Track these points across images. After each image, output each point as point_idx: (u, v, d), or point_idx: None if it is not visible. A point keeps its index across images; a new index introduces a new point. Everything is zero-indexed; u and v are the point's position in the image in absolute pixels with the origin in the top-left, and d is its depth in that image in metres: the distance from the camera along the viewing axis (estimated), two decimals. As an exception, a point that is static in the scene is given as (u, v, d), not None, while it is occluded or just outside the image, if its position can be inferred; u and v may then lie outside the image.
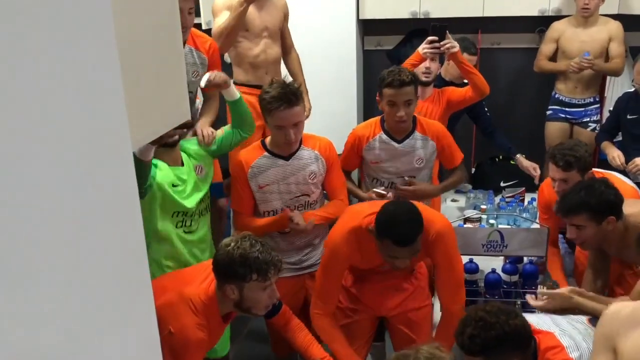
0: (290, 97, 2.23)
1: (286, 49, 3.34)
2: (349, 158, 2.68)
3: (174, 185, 2.23)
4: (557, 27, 3.76)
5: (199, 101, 2.89)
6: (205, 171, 2.39)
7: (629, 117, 3.14)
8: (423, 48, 2.90)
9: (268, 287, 1.89)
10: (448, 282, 2.17)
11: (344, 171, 2.62)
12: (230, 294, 1.87)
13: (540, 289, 2.15)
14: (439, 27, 2.90)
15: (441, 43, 2.86)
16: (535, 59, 3.85)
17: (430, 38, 2.86)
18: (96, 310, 0.78)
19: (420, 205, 2.16)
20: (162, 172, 2.20)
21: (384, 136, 2.61)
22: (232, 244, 1.86)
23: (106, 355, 0.81)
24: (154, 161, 2.16)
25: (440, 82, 3.33)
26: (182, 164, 2.30)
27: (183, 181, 2.26)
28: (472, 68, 3.00)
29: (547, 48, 3.79)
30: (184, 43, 2.56)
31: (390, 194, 2.50)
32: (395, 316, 2.34)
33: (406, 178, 2.61)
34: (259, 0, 2.99)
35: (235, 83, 3.12)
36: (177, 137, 2.23)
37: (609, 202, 2.07)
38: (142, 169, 2.03)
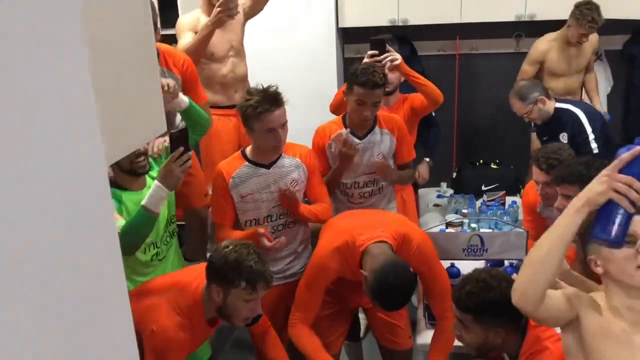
0: (275, 98, 2.26)
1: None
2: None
3: None
4: (540, 48, 3.72)
5: (179, 119, 2.88)
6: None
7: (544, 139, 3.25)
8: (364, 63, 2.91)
9: (252, 301, 1.89)
10: (435, 290, 2.23)
11: None
12: (215, 296, 1.88)
13: None
14: (377, 41, 2.89)
15: (381, 57, 2.83)
16: (515, 63, 3.88)
17: (370, 52, 2.84)
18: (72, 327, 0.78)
19: (397, 219, 2.25)
20: (128, 201, 2.14)
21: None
22: (231, 247, 1.88)
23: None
24: (114, 193, 2.10)
25: (406, 87, 3.35)
26: (144, 186, 2.23)
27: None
28: (421, 78, 2.96)
29: (530, 69, 3.74)
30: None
31: (344, 131, 2.53)
32: (372, 306, 2.39)
33: (378, 157, 2.65)
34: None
35: None
36: (148, 167, 2.18)
37: None
38: (149, 223, 2.04)
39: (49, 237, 0.74)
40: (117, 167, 2.11)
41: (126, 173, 2.12)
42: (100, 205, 0.90)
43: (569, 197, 2.13)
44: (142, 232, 2.06)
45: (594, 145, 3.03)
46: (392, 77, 3.05)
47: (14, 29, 0.69)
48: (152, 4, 2.42)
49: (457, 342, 2.22)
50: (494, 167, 3.95)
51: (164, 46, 2.59)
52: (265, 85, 2.31)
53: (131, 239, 2.02)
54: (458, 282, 1.84)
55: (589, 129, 3.04)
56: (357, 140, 2.63)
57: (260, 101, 2.24)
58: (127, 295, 0.99)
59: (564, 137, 3.07)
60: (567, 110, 3.14)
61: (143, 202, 2.02)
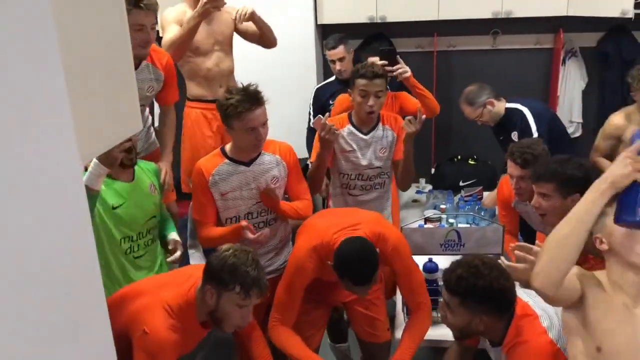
0: (256, 97, 2.27)
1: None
2: (317, 144, 2.69)
3: (113, 208, 2.23)
4: (616, 123, 3.28)
5: (147, 111, 2.88)
6: (157, 190, 2.43)
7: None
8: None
9: (244, 307, 1.90)
10: (409, 285, 2.27)
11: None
12: (209, 297, 1.89)
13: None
14: (388, 51, 2.97)
15: (393, 68, 2.92)
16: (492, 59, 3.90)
17: (380, 63, 2.89)
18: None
19: (373, 217, 2.28)
20: (110, 189, 2.21)
21: (352, 128, 2.75)
22: (231, 251, 1.90)
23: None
24: (110, 184, 2.22)
25: (394, 85, 3.38)
26: (133, 179, 2.32)
27: (124, 199, 2.26)
28: (425, 91, 3.06)
29: (604, 145, 3.34)
30: (144, 59, 2.56)
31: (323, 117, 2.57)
32: (351, 301, 2.45)
33: (382, 152, 2.74)
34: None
35: (188, 99, 3.13)
36: (135, 159, 2.28)
37: (579, 179, 2.08)
38: (90, 200, 2.03)
39: (23, 233, 0.74)
40: (106, 159, 2.15)
41: (119, 165, 2.22)
42: (75, 202, 0.90)
43: (545, 195, 2.17)
44: None
45: None
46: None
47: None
48: (155, 5, 2.44)
49: (434, 336, 2.27)
50: (472, 162, 4.00)
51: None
52: (244, 84, 2.31)
53: None
54: (450, 265, 1.83)
55: (533, 127, 3.08)
56: (362, 136, 2.73)
57: (240, 100, 2.24)
58: (104, 296, 0.99)
59: (514, 136, 3.11)
60: (516, 109, 3.18)
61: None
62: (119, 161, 2.20)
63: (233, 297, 1.87)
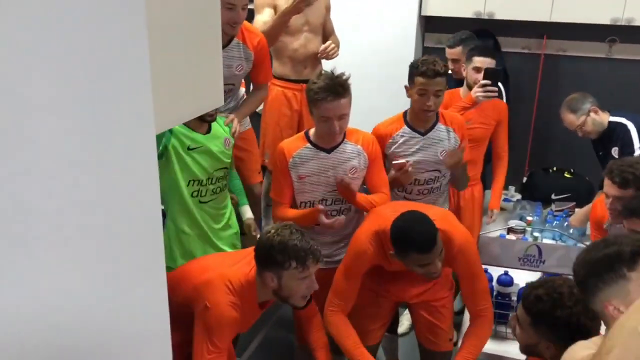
0: (337, 89, 2.23)
1: (326, 37, 3.28)
2: None
3: (189, 149, 2.31)
4: None
5: (243, 91, 2.93)
6: (231, 145, 2.49)
7: None
8: (475, 92, 2.79)
9: (307, 277, 1.90)
10: (473, 290, 2.18)
11: None
12: (270, 282, 1.91)
13: None
14: (493, 72, 2.81)
15: (493, 88, 2.76)
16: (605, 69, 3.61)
17: (483, 82, 2.77)
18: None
19: (443, 214, 2.20)
20: (176, 137, 2.29)
21: (407, 129, 2.59)
22: (272, 231, 1.91)
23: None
24: (187, 135, 2.31)
25: (453, 83, 3.23)
26: (210, 132, 2.39)
27: (200, 144, 2.34)
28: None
29: None
30: (234, 37, 2.59)
31: (410, 161, 2.50)
32: (417, 303, 2.37)
33: (441, 154, 2.59)
34: None
35: (273, 76, 3.15)
36: (215, 116, 2.35)
37: None
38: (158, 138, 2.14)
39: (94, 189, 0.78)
40: None
41: (197, 118, 2.26)
42: (147, 167, 0.92)
43: (637, 233, 1.98)
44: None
45: None
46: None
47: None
48: None
49: (495, 351, 2.16)
50: (568, 176, 3.75)
51: (244, 21, 2.61)
52: (337, 72, 2.28)
53: None
54: (535, 281, 1.71)
55: (637, 144, 2.84)
56: (419, 137, 2.58)
57: (322, 88, 2.22)
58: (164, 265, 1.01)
59: (615, 152, 2.89)
60: (619, 123, 2.95)
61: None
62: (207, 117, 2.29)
63: (293, 273, 1.87)
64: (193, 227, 2.40)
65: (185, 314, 1.93)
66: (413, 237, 1.98)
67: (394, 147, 2.58)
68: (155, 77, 0.95)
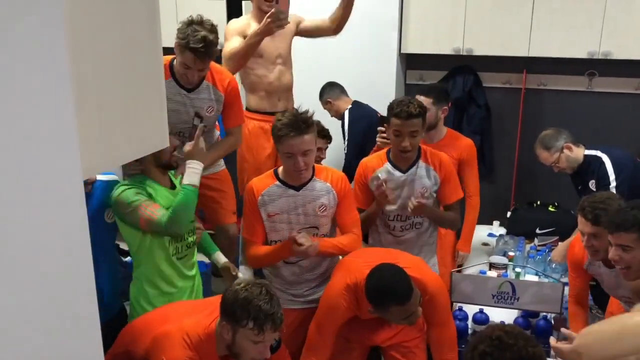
0: (300, 125, 2.21)
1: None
2: (358, 192, 2.62)
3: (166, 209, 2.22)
4: None
5: (218, 134, 2.92)
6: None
7: None
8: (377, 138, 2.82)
9: (260, 343, 1.82)
10: (439, 340, 2.16)
11: (359, 209, 2.54)
12: (225, 333, 1.84)
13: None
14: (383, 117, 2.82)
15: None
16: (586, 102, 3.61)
17: (379, 128, 2.81)
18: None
19: (414, 262, 2.19)
20: (161, 196, 2.22)
21: (389, 166, 2.58)
22: (243, 285, 1.85)
23: None
24: (150, 185, 2.22)
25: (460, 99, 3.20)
26: (173, 187, 2.31)
27: (172, 202, 2.24)
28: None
29: None
30: (203, 79, 2.59)
31: (383, 176, 2.48)
32: (389, 346, 2.33)
33: (421, 191, 2.56)
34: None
35: (247, 109, 3.14)
36: (177, 160, 2.27)
37: None
38: (196, 197, 2.23)
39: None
40: (153, 161, 2.20)
41: (161, 167, 2.24)
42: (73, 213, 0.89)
43: (625, 247, 1.94)
44: (190, 207, 2.21)
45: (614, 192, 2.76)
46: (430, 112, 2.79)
47: None
48: (215, 27, 2.45)
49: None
50: (552, 209, 3.71)
51: (213, 63, 2.61)
52: (299, 108, 2.27)
53: (183, 216, 2.17)
54: (471, 340, 1.68)
55: (612, 176, 2.83)
56: (399, 174, 2.56)
57: (285, 124, 2.21)
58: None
59: (592, 185, 2.86)
60: (595, 156, 2.95)
61: (185, 182, 2.21)
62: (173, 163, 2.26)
63: (247, 333, 1.79)
64: (163, 284, 2.30)
65: None
66: (390, 292, 1.97)
67: (374, 183, 2.55)
68: (84, 119, 0.94)
